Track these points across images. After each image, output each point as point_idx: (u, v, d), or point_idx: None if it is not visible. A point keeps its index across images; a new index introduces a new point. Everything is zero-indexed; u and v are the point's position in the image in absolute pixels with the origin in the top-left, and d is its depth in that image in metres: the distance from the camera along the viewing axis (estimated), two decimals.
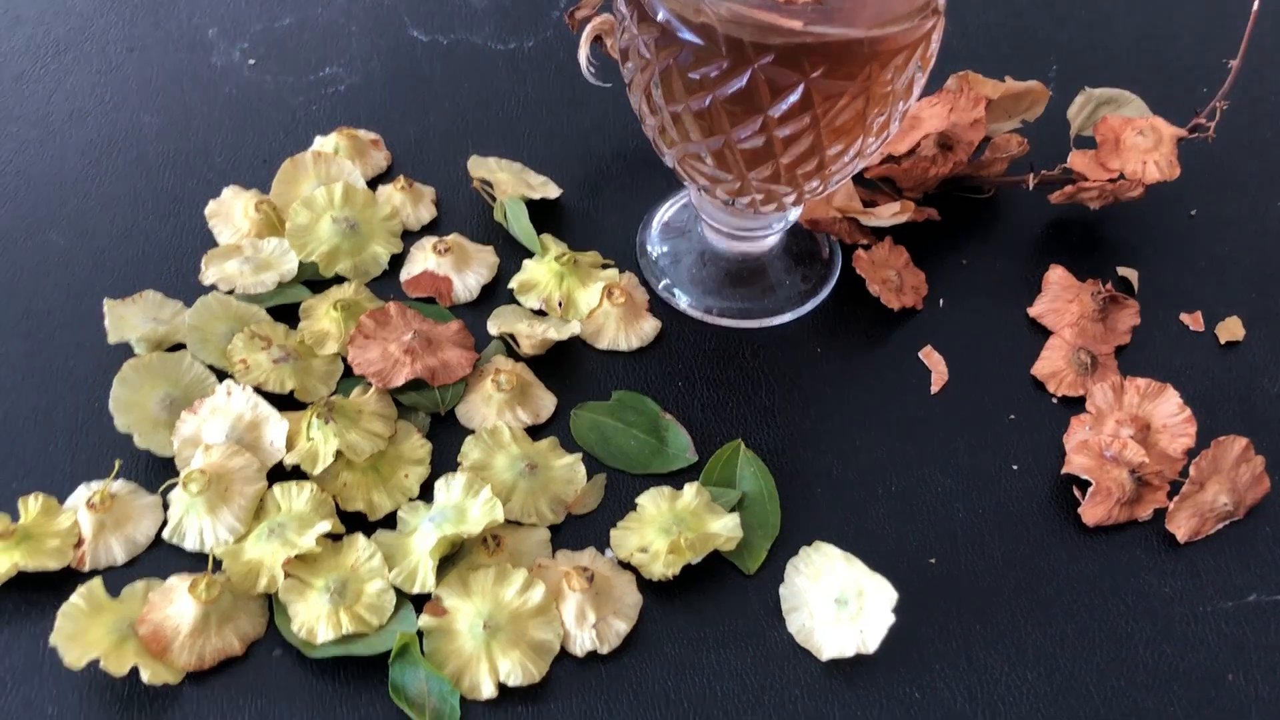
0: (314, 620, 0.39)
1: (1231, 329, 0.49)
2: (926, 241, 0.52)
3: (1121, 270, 0.51)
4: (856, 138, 0.41)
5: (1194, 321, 0.50)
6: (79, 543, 0.41)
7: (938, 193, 0.53)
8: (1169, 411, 0.45)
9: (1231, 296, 0.51)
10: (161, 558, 0.41)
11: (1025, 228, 0.53)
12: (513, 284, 0.50)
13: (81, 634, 0.38)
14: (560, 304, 0.49)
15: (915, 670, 0.40)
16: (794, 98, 0.39)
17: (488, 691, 0.38)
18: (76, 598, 0.39)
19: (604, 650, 0.39)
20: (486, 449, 0.44)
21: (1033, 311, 0.50)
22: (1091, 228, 0.53)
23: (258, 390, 0.44)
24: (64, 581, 0.40)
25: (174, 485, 0.42)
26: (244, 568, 0.40)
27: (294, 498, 0.42)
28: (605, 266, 0.50)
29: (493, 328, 0.48)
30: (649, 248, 0.52)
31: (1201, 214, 0.54)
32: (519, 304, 0.49)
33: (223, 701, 0.38)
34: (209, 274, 0.49)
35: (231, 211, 0.51)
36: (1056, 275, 0.50)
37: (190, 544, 0.41)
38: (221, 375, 0.45)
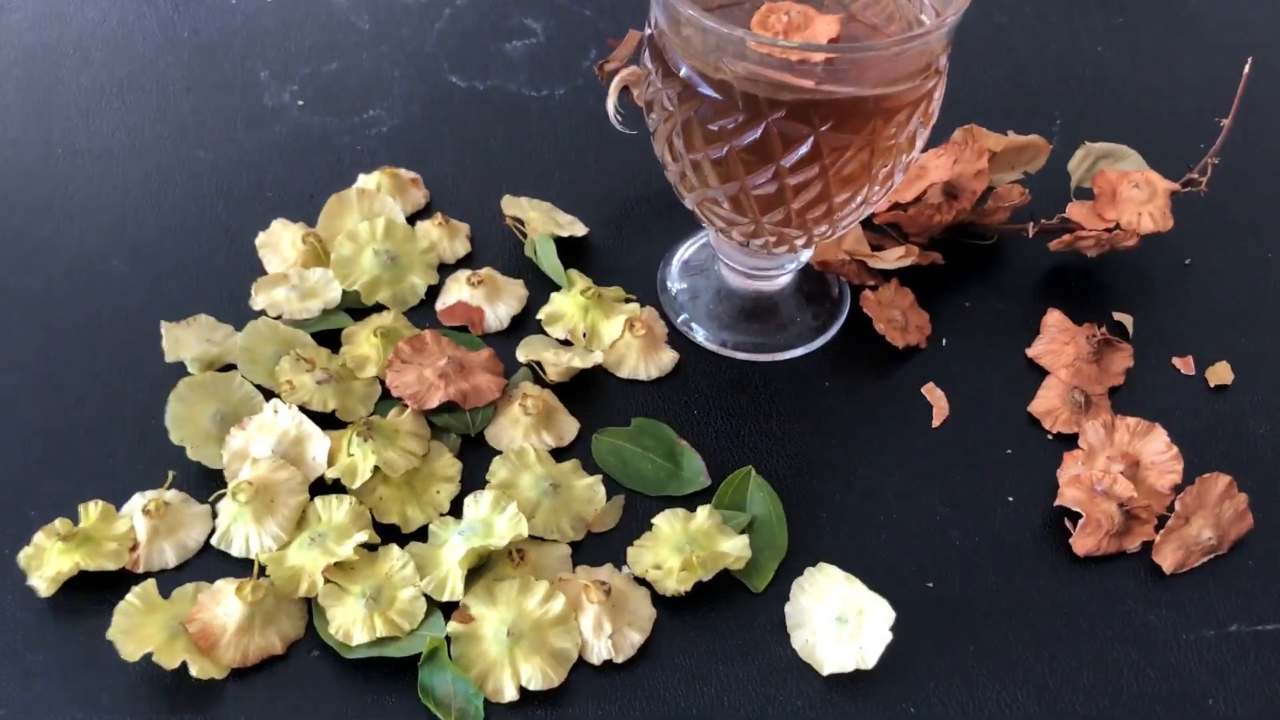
0: (350, 623, 0.42)
1: (1221, 373, 0.52)
2: (931, 284, 0.55)
3: (1117, 315, 0.54)
4: (862, 186, 0.44)
5: (1185, 365, 0.52)
6: (134, 546, 0.44)
7: (942, 238, 0.56)
8: (1157, 449, 0.48)
9: (1222, 342, 0.53)
10: (210, 562, 0.45)
11: (1026, 273, 0.56)
12: (541, 315, 0.53)
13: (136, 630, 0.41)
14: (585, 335, 0.52)
15: (911, 687, 0.42)
16: (804, 149, 0.42)
17: (510, 694, 0.41)
18: (132, 596, 0.42)
19: (619, 659, 0.42)
20: (513, 469, 0.47)
21: (1031, 352, 0.53)
22: (1089, 274, 0.56)
23: (302, 409, 0.47)
24: (120, 582, 0.43)
25: (223, 495, 0.45)
26: (286, 573, 0.43)
27: (334, 510, 0.45)
28: (628, 301, 0.54)
29: (521, 355, 0.51)
30: (669, 284, 0.55)
31: (1195, 263, 0.57)
32: (546, 334, 0.53)
33: (263, 696, 0.41)
34: (258, 300, 0.52)
35: (280, 242, 0.55)
36: (1054, 319, 0.53)
37: (237, 550, 0.44)
38: (269, 395, 0.49)
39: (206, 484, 0.47)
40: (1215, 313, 0.55)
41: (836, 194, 0.44)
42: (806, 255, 0.51)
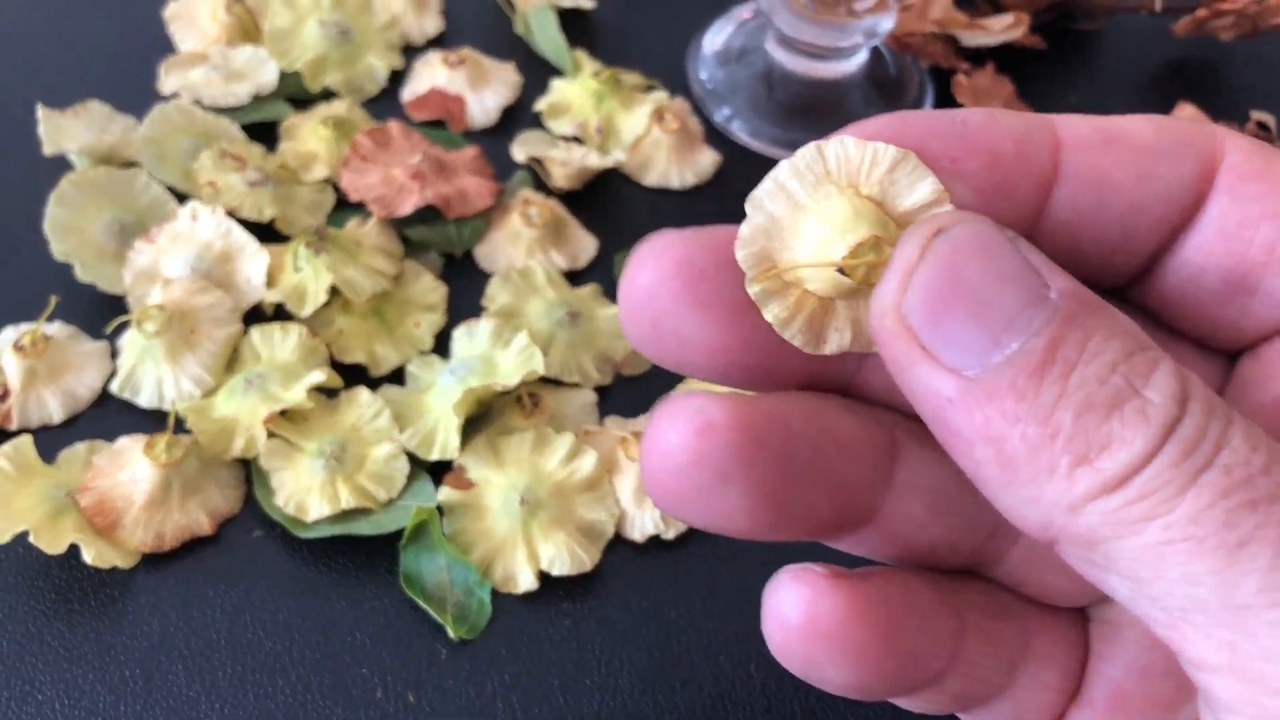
0: (304, 493, 0.31)
1: None
2: (1027, 76, 0.44)
3: (1256, 114, 0.44)
4: None
5: None
6: (4, 395, 0.33)
7: (1039, 23, 0.45)
8: None
9: None
10: (108, 417, 0.33)
11: (1139, 67, 0.45)
12: (541, 105, 0.41)
13: (6, 502, 0.30)
14: (599, 130, 0.40)
15: None
16: None
17: (526, 582, 0.30)
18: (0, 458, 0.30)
19: (669, 535, 0.32)
20: (517, 291, 0.35)
21: None
22: (1217, 68, 0.46)
23: (229, 217, 0.35)
24: None
25: (125, 326, 0.33)
26: (214, 426, 0.32)
27: (277, 344, 0.33)
28: (650, 89, 0.42)
29: (519, 154, 0.39)
30: (701, 74, 0.43)
31: None
32: (547, 131, 0.41)
33: (187, 590, 0.30)
34: (169, 82, 0.40)
35: (196, 12, 0.42)
36: (1188, 113, 0.42)
37: (145, 399, 0.33)
38: (183, 200, 0.37)
39: (103, 313, 0.35)
40: None
41: None
42: (887, 25, 0.40)
